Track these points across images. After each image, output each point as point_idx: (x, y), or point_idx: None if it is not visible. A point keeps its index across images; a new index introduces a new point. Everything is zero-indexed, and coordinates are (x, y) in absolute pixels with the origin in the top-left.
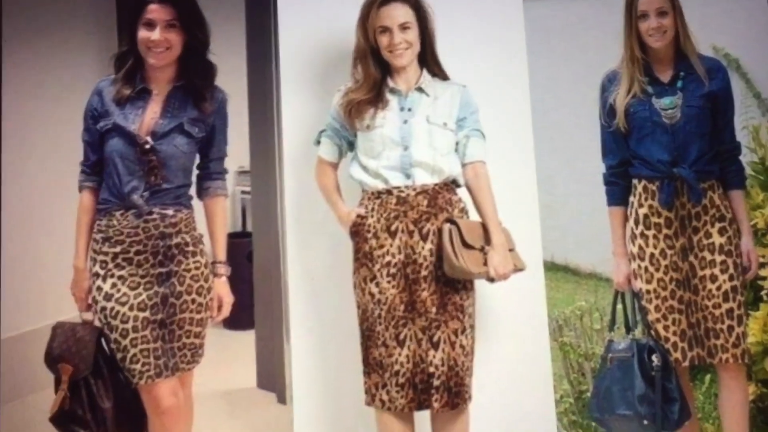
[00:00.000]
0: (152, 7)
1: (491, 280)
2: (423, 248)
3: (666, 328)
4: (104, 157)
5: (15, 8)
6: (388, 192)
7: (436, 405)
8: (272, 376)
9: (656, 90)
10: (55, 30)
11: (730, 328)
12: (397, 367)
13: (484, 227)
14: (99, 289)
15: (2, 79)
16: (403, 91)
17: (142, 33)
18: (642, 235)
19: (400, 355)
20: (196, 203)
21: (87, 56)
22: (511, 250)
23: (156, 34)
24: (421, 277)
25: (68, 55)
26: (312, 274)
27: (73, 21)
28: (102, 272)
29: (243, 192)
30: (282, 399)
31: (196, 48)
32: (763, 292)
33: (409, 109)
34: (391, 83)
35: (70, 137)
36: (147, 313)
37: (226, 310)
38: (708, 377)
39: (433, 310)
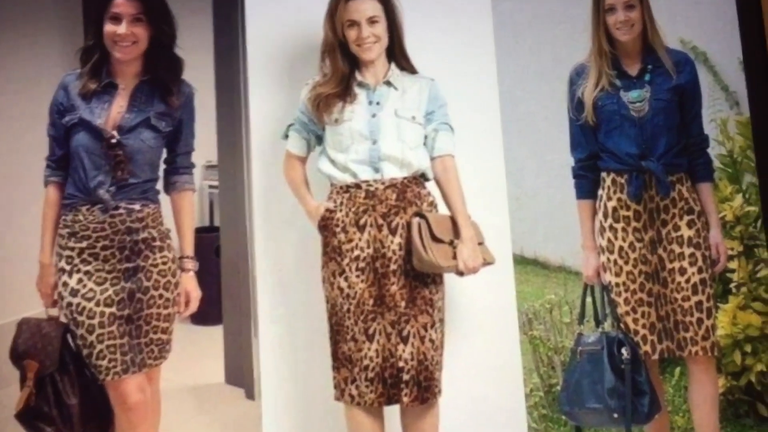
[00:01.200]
0: (118, 1)
1: (460, 273)
2: (392, 242)
3: (635, 321)
4: (70, 151)
5: None
6: (357, 186)
7: (405, 399)
8: (240, 372)
9: (624, 83)
10: (19, 24)
11: (700, 320)
12: (366, 362)
13: (453, 221)
14: (65, 284)
15: None
16: (372, 85)
17: (108, 27)
18: (611, 228)
19: (369, 349)
20: (163, 198)
21: (52, 50)
22: (480, 243)
23: (122, 28)
24: (390, 271)
25: (33, 49)
26: (280, 268)
27: (39, 14)
28: (68, 267)
29: (210, 186)
30: (250, 394)
31: (163, 42)
32: (732, 285)
33: (378, 103)
34: (359, 77)
35: (35, 132)
36: (113, 309)
37: (194, 306)
38: (678, 370)
39: (403, 304)
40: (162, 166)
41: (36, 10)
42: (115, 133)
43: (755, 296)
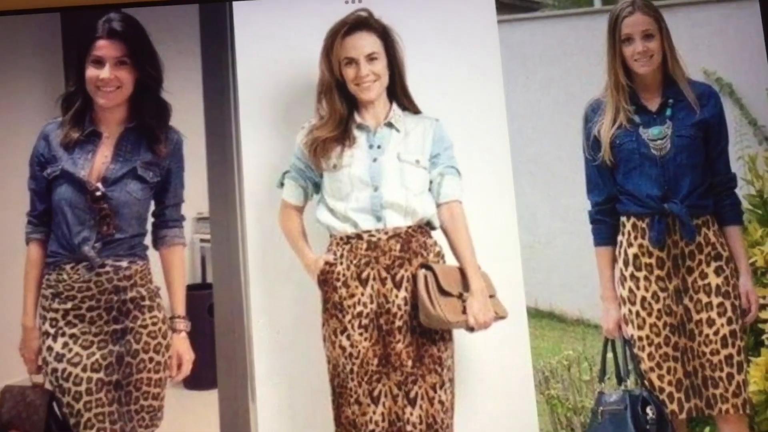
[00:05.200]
0: (101, 43)
1: (471, 329)
2: (397, 296)
3: (660, 377)
4: (52, 206)
5: None
6: (358, 236)
7: None
8: None
9: (643, 119)
10: None
11: (730, 376)
12: (371, 426)
13: (462, 272)
14: (49, 349)
15: None
16: (372, 127)
17: (91, 71)
18: (632, 276)
19: (374, 413)
20: (152, 254)
21: (32, 97)
22: (491, 296)
23: (105, 72)
24: (395, 328)
25: (11, 97)
26: (278, 327)
27: (17, 60)
28: (52, 331)
29: (202, 240)
30: None
31: (149, 86)
32: (764, 336)
33: (379, 147)
34: (358, 119)
35: (15, 185)
36: (101, 374)
37: (186, 369)
38: (707, 430)
39: (409, 363)
40: (150, 220)
41: (13, 56)
42: (99, 185)
43: None
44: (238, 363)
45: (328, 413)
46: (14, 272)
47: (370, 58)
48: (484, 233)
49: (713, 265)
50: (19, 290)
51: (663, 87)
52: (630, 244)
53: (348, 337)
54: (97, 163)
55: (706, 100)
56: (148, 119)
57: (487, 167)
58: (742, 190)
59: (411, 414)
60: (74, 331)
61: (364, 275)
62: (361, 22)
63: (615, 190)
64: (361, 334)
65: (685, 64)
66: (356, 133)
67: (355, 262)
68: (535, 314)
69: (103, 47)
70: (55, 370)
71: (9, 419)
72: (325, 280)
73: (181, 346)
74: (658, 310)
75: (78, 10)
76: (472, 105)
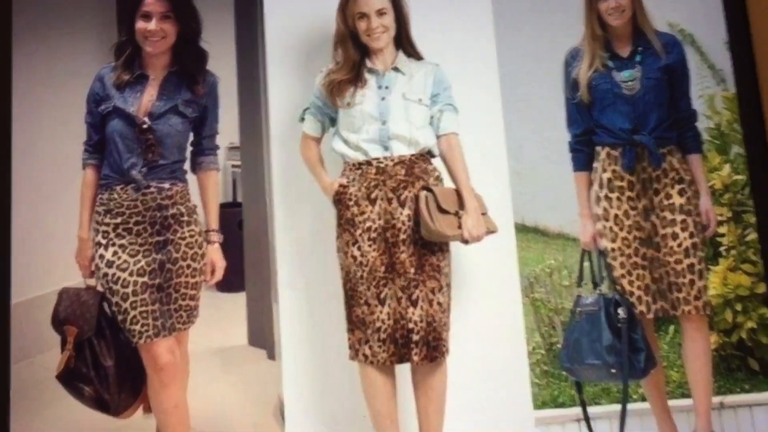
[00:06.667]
0: (149, 0)
1: (465, 242)
2: (401, 214)
3: (631, 283)
4: (105, 136)
5: (25, 5)
6: (368, 163)
7: (415, 358)
8: (262, 334)
9: (616, 64)
10: (61, 23)
11: (692, 282)
12: (378, 324)
13: (458, 193)
14: (101, 257)
15: (13, 68)
16: (381, 71)
17: (140, 24)
18: (606, 197)
19: (381, 312)
20: (191, 177)
21: (90, 46)
22: (483, 213)
23: (152, 25)
24: (399, 241)
25: (73, 46)
26: (298, 240)
27: (78, 15)
28: (104, 241)
29: (233, 166)
30: (271, 355)
31: (189, 36)
32: (722, 248)
33: (386, 87)
34: (369, 64)
35: (75, 119)
36: (146, 278)
37: (219, 274)
38: (672, 328)
39: (412, 270)
40: (189, 149)
41: (75, 12)
42: (146, 119)
43: (744, 258)
44: (263, 270)
45: (341, 313)
46: (72, 193)
47: (380, 12)
48: (477, 161)
49: (677, 187)
50: (76, 208)
51: (633, 37)
52: (604, 170)
53: (359, 248)
54: (145, 101)
55: (671, 48)
56: (188, 64)
57: (480, 105)
58: (702, 124)
59: (413, 314)
60: (123, 242)
61: (373, 196)
62: None
63: (591, 124)
64: (370, 246)
65: (652, 17)
66: (367, 76)
67: (365, 184)
68: (522, 229)
69: (151, 4)
70: (105, 275)
71: (66, 316)
72: (340, 200)
73: (215, 255)
74: (629, 226)
75: None
76: (467, 52)
